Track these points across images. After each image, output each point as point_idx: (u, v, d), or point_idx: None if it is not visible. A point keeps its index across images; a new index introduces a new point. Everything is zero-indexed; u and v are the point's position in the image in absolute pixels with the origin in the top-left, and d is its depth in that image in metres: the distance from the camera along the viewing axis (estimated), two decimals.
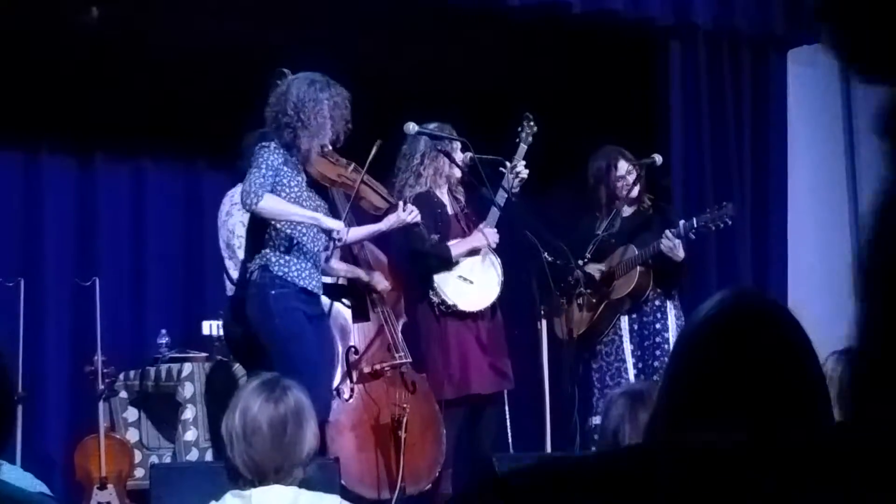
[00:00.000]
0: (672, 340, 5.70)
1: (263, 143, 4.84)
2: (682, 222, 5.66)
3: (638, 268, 5.68)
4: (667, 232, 5.61)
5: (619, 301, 5.71)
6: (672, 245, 5.58)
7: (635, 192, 5.79)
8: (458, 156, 5.53)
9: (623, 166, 5.78)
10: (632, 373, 5.68)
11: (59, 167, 6.83)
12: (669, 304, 5.79)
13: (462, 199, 5.71)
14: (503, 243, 5.62)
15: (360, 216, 5.30)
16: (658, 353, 5.69)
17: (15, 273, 6.12)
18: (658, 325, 5.74)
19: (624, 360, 5.72)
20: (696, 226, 5.62)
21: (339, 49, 5.66)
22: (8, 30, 5.83)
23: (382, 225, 5.15)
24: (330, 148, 5.00)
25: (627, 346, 5.73)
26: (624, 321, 5.76)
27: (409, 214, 5.13)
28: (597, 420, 5.66)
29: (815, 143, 7.17)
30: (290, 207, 4.82)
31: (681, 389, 1.49)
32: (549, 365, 5.43)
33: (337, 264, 5.42)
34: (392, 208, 5.14)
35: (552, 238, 5.40)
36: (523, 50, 6.58)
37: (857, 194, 7.23)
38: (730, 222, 5.66)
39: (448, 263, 5.49)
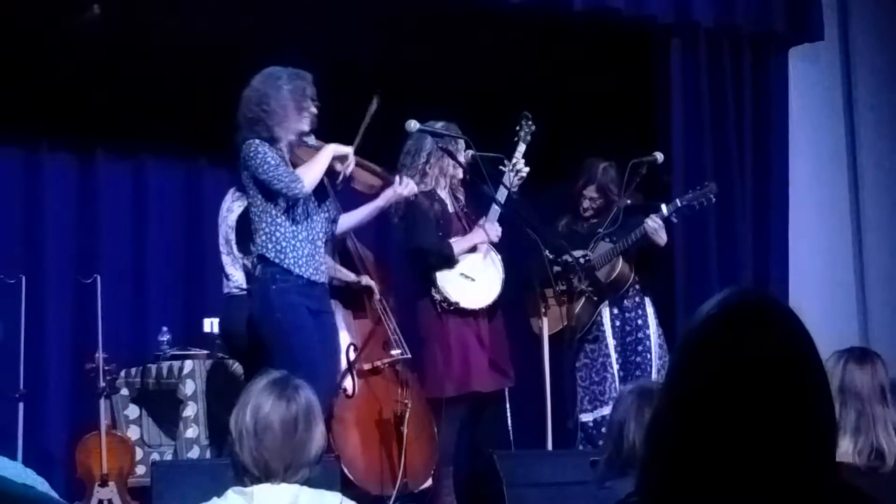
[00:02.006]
0: (652, 336, 5.74)
1: (249, 141, 4.86)
2: (663, 206, 5.70)
3: (620, 257, 5.73)
4: (651, 216, 5.66)
5: (600, 293, 5.74)
6: (656, 227, 5.63)
7: (588, 213, 5.86)
8: (460, 154, 5.52)
9: (590, 191, 5.87)
10: (615, 366, 5.69)
11: (60, 164, 6.83)
12: (647, 300, 5.83)
13: (462, 198, 5.71)
14: (504, 241, 5.62)
15: (356, 197, 5.29)
16: (640, 348, 5.72)
17: (16, 270, 6.11)
18: (640, 321, 5.78)
19: (608, 355, 5.74)
20: (679, 205, 5.68)
21: (339, 47, 5.67)
22: (9, 27, 5.83)
23: (380, 201, 5.16)
24: (312, 137, 5.02)
25: (611, 342, 5.75)
26: (606, 317, 5.78)
27: (405, 188, 5.14)
28: (585, 417, 5.69)
29: (816, 140, 7.17)
30: (314, 165, 4.87)
31: (683, 388, 1.49)
32: (549, 362, 5.43)
33: (334, 265, 5.43)
34: (387, 184, 5.14)
35: (553, 236, 5.41)
36: (524, 48, 6.58)
37: (858, 191, 7.23)
38: (713, 199, 5.73)
39: (450, 261, 5.49)
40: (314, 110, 4.99)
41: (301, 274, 4.85)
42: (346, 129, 5.05)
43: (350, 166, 4.97)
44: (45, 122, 6.55)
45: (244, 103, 4.94)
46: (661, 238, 5.69)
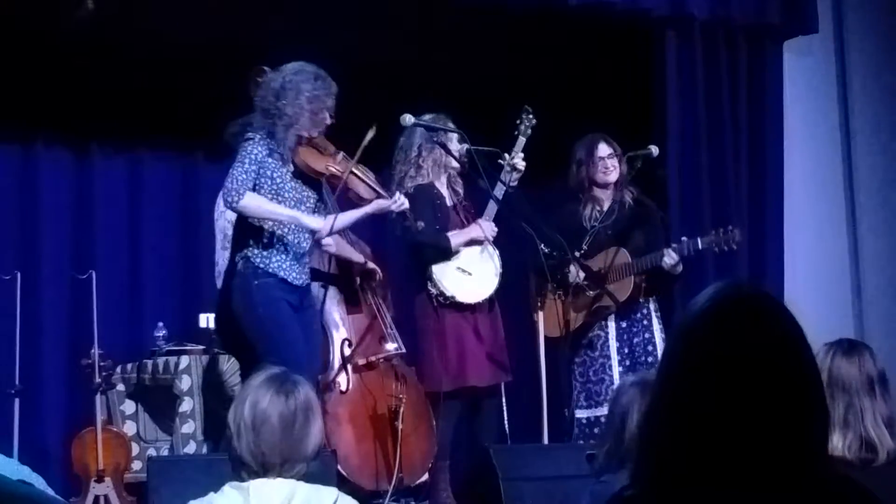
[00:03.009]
0: (657, 335, 5.71)
1: (248, 135, 4.84)
2: (684, 240, 5.64)
3: (633, 276, 5.68)
4: (669, 250, 5.59)
5: (609, 305, 5.69)
6: (672, 263, 5.59)
7: (613, 176, 5.78)
8: (455, 146, 5.52)
9: (603, 148, 5.79)
10: (616, 369, 5.66)
11: (55, 160, 6.82)
12: (651, 299, 5.81)
13: (461, 190, 5.70)
14: (500, 235, 5.62)
15: (347, 205, 5.28)
16: (650, 348, 5.69)
17: (11, 266, 6.11)
18: (645, 322, 5.74)
19: (609, 357, 5.71)
20: (700, 247, 5.61)
21: (337, 43, 5.65)
22: (4, 22, 5.82)
23: (369, 208, 5.13)
24: (315, 136, 4.99)
25: (613, 344, 5.72)
26: (611, 318, 5.76)
27: (398, 205, 5.13)
28: (580, 413, 5.67)
29: (811, 133, 7.17)
30: (270, 206, 4.82)
31: (676, 381, 1.49)
32: (545, 357, 5.43)
33: (347, 246, 5.42)
34: (379, 197, 5.13)
35: (549, 230, 5.40)
36: (520, 42, 6.57)
37: (853, 184, 7.24)
38: (735, 247, 5.65)
39: (447, 254, 5.49)
40: (328, 121, 4.95)
41: (284, 278, 4.84)
42: (344, 129, 5.03)
43: (318, 238, 5.04)
44: (41, 117, 6.54)
45: (265, 88, 4.92)
46: (677, 271, 5.67)
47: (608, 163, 5.76)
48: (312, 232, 4.97)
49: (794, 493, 1.42)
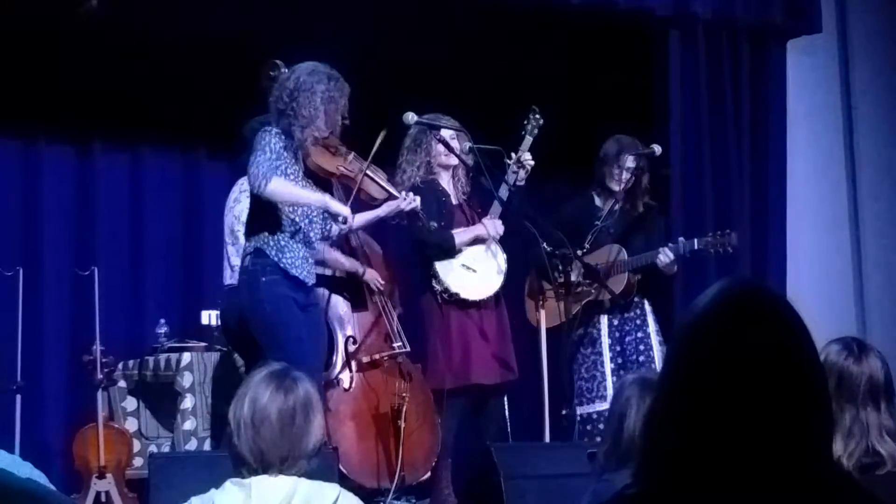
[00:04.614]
0: (652, 335, 5.73)
1: (266, 127, 4.81)
2: (681, 240, 5.65)
3: (628, 273, 5.70)
4: (665, 248, 5.60)
5: (602, 300, 5.71)
6: (668, 261, 5.60)
7: (624, 187, 5.78)
8: (458, 144, 5.51)
9: (629, 161, 5.78)
10: (608, 367, 5.68)
11: (57, 156, 6.81)
12: (645, 300, 5.82)
13: (467, 188, 5.69)
14: (504, 233, 5.61)
15: (357, 205, 5.27)
16: (642, 347, 5.71)
17: (14, 262, 6.11)
18: (639, 321, 5.76)
19: (601, 354, 5.73)
20: (695, 247, 5.63)
21: (340, 42, 5.65)
22: (7, 19, 5.82)
23: (381, 211, 5.12)
24: (328, 136, 4.96)
25: (605, 341, 5.74)
26: (603, 316, 5.77)
27: (408, 203, 5.11)
28: (578, 410, 5.68)
29: (814, 133, 7.17)
30: (298, 190, 4.81)
31: (680, 379, 1.49)
32: (546, 354, 5.43)
33: (337, 255, 5.42)
34: (391, 197, 5.11)
35: (551, 228, 5.40)
36: (523, 41, 6.57)
37: (856, 183, 7.24)
38: (731, 250, 5.66)
39: (450, 252, 5.48)
40: (342, 122, 4.93)
41: (296, 275, 4.83)
42: (347, 127, 5.02)
43: (349, 226, 4.94)
44: (43, 114, 6.54)
45: (279, 88, 4.89)
46: (672, 271, 5.69)
47: (625, 175, 5.76)
48: (334, 218, 4.93)
49: (798, 493, 1.42)
